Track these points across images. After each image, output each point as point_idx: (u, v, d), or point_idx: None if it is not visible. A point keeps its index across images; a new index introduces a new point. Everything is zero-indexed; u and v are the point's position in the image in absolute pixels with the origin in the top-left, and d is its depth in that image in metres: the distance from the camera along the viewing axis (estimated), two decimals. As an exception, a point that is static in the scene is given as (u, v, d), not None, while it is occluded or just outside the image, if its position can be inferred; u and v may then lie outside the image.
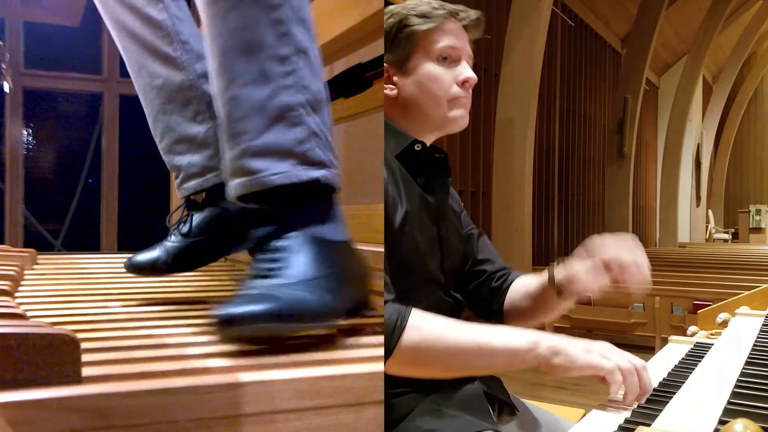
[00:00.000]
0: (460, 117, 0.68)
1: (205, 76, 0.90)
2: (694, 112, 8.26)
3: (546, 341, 0.55)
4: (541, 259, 4.32)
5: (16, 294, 0.93)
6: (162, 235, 0.96)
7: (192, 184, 0.89)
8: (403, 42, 0.67)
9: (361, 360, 0.56)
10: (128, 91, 0.97)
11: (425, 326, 0.55)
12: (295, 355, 0.58)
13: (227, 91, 0.69)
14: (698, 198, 8.81)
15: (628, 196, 5.42)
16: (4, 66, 1.61)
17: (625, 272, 0.64)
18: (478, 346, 0.55)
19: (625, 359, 0.55)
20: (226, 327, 0.57)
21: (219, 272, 1.32)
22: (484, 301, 0.76)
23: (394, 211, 0.63)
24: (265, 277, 0.62)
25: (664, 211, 7.70)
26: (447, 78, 0.67)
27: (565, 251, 4.97)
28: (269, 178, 0.68)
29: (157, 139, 0.93)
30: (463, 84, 0.67)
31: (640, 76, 5.50)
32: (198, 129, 0.89)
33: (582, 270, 0.66)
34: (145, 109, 0.92)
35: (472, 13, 0.69)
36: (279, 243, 0.65)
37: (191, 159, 0.89)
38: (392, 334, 0.53)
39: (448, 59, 0.67)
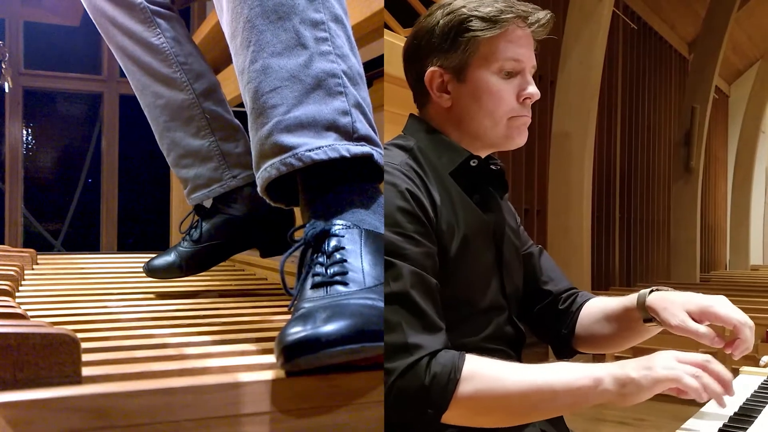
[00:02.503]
0: (517, 136, 0.65)
1: (204, 94, 1.00)
2: (767, 122, 7.70)
3: (609, 374, 0.53)
4: (601, 283, 4.12)
5: (16, 294, 0.96)
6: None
7: (199, 194, 1.01)
8: (461, 47, 0.62)
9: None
10: (128, 91, 1.02)
11: (482, 374, 0.53)
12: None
13: (254, 63, 0.64)
14: (772, 217, 8.28)
15: (696, 215, 5.13)
16: (4, 66, 1.67)
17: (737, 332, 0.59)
18: (538, 390, 0.53)
19: (688, 361, 0.53)
20: (301, 354, 0.50)
21: (219, 271, 1.35)
22: (551, 326, 0.73)
23: (450, 239, 0.61)
24: (327, 284, 0.58)
25: (734, 231, 7.23)
26: (507, 93, 0.63)
27: (627, 274, 4.69)
28: (307, 154, 0.61)
29: (164, 153, 1.04)
30: (524, 100, 0.64)
31: (708, 84, 5.22)
32: (201, 143, 0.99)
33: (680, 303, 0.61)
34: (151, 125, 1.05)
35: (542, 15, 0.64)
36: (334, 241, 0.60)
37: (197, 171, 0.99)
38: (446, 387, 0.52)
39: (510, 71, 0.63)
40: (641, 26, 5.11)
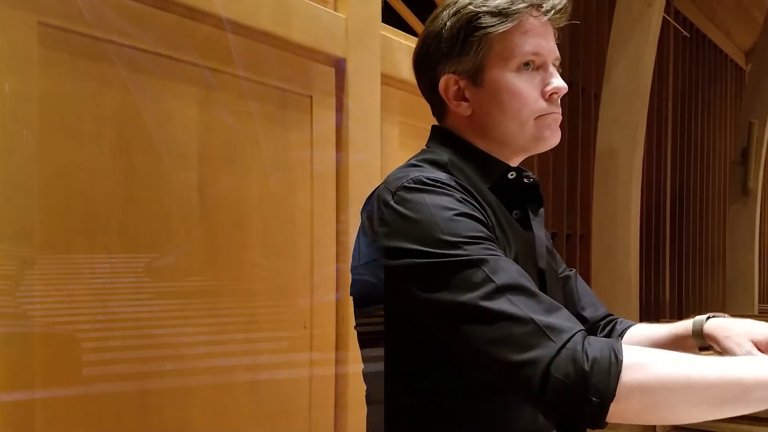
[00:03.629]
0: (549, 136, 0.61)
1: None
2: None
3: None
4: (650, 314, 3.83)
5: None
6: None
7: None
8: (473, 47, 0.58)
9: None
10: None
11: (654, 363, 0.49)
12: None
13: None
14: (839, 242, 7.89)
15: (754, 239, 4.74)
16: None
17: None
18: (728, 383, 0.49)
19: None
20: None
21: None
22: None
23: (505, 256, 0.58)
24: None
25: (796, 258, 6.90)
26: (531, 91, 0.59)
27: (679, 304, 4.43)
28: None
29: None
30: (550, 96, 0.60)
31: (767, 97, 4.88)
32: None
33: (744, 332, 0.59)
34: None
35: (557, 1, 0.59)
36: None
37: None
38: (609, 371, 0.47)
39: (530, 66, 0.59)
40: (694, 33, 4.71)
